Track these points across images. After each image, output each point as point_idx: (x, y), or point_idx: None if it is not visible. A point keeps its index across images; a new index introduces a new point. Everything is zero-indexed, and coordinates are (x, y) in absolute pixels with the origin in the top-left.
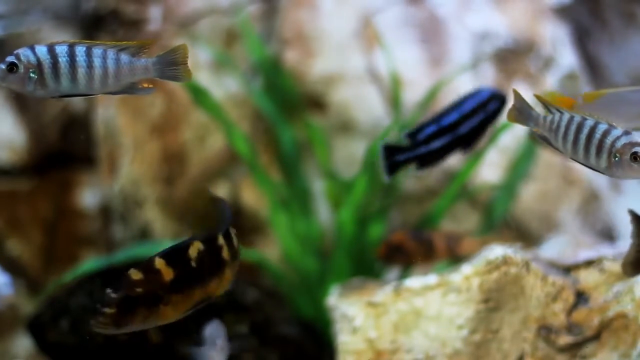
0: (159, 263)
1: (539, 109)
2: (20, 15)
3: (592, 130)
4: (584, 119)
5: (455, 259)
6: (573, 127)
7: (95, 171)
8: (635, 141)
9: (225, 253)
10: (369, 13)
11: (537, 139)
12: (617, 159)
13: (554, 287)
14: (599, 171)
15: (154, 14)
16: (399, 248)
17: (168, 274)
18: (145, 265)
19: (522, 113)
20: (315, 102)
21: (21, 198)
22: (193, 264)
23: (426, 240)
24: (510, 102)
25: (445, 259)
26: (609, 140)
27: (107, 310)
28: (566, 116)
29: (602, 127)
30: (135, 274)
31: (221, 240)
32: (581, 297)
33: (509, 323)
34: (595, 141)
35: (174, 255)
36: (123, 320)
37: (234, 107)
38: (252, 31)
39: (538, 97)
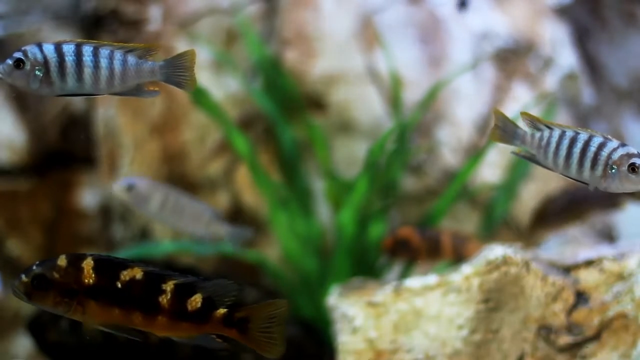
0: (87, 264)
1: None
2: (20, 15)
3: (587, 143)
4: (577, 133)
5: (460, 259)
6: (565, 142)
7: (95, 171)
8: (633, 152)
9: (164, 300)
10: (369, 13)
11: (521, 158)
12: (613, 170)
13: (554, 287)
14: (593, 185)
15: (154, 14)
16: (405, 243)
17: (89, 277)
18: (75, 258)
19: (506, 132)
20: (315, 102)
21: (21, 198)
22: (119, 284)
23: (433, 238)
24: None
25: (450, 259)
26: (605, 152)
27: (23, 277)
28: (557, 132)
29: (597, 140)
30: (61, 260)
31: (169, 287)
32: (581, 297)
33: (509, 323)
34: (590, 154)
35: (105, 266)
36: (34, 294)
37: (234, 107)
38: (252, 31)
39: (525, 115)
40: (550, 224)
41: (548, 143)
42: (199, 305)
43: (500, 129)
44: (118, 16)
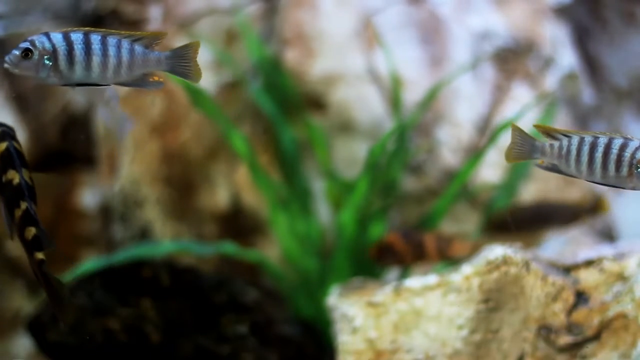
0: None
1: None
2: (20, 15)
3: (608, 146)
4: (596, 138)
5: (447, 261)
6: (586, 148)
7: (95, 171)
8: None
9: (17, 213)
10: (369, 13)
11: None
12: (639, 170)
13: (554, 287)
14: (620, 187)
15: (154, 14)
16: (390, 249)
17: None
18: (9, 129)
19: (524, 147)
20: (315, 102)
21: None
22: (2, 178)
23: (417, 242)
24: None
25: (436, 261)
26: (627, 153)
27: None
28: (575, 139)
29: (618, 142)
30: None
31: (23, 206)
32: (581, 297)
33: (509, 323)
34: (613, 157)
35: (6, 159)
36: None
37: (233, 107)
38: (252, 31)
39: (539, 127)
40: (509, 230)
41: (568, 151)
42: (29, 237)
43: (519, 146)
44: (118, 16)
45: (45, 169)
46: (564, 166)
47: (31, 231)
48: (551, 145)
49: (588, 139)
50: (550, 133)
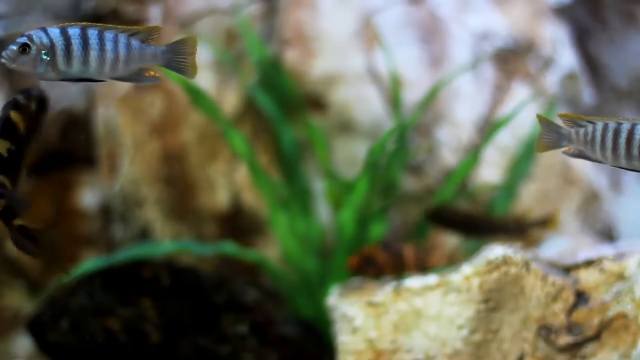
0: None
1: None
2: (20, 15)
3: (631, 132)
4: (619, 124)
5: (426, 271)
6: (610, 134)
7: (95, 171)
8: None
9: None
10: (369, 13)
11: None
12: None
13: (554, 287)
14: None
15: (154, 14)
16: (371, 260)
17: (21, 124)
18: (26, 99)
19: (552, 136)
20: (315, 102)
21: None
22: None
23: (397, 253)
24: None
25: (415, 272)
26: None
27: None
28: (599, 125)
29: None
30: (23, 97)
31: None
32: (581, 297)
33: (509, 323)
34: (636, 142)
35: (7, 127)
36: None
37: (233, 108)
38: (252, 31)
39: (563, 116)
40: (442, 227)
41: (593, 137)
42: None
43: (547, 136)
44: (118, 16)
45: (45, 169)
46: (590, 152)
47: (1, 203)
48: (577, 132)
49: (612, 124)
50: (574, 121)
